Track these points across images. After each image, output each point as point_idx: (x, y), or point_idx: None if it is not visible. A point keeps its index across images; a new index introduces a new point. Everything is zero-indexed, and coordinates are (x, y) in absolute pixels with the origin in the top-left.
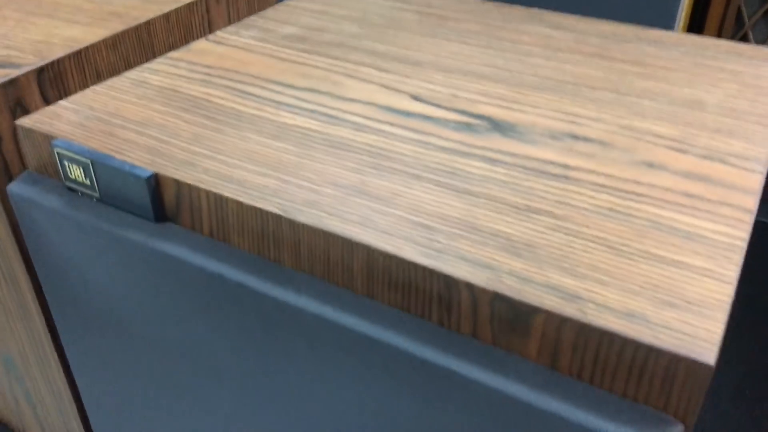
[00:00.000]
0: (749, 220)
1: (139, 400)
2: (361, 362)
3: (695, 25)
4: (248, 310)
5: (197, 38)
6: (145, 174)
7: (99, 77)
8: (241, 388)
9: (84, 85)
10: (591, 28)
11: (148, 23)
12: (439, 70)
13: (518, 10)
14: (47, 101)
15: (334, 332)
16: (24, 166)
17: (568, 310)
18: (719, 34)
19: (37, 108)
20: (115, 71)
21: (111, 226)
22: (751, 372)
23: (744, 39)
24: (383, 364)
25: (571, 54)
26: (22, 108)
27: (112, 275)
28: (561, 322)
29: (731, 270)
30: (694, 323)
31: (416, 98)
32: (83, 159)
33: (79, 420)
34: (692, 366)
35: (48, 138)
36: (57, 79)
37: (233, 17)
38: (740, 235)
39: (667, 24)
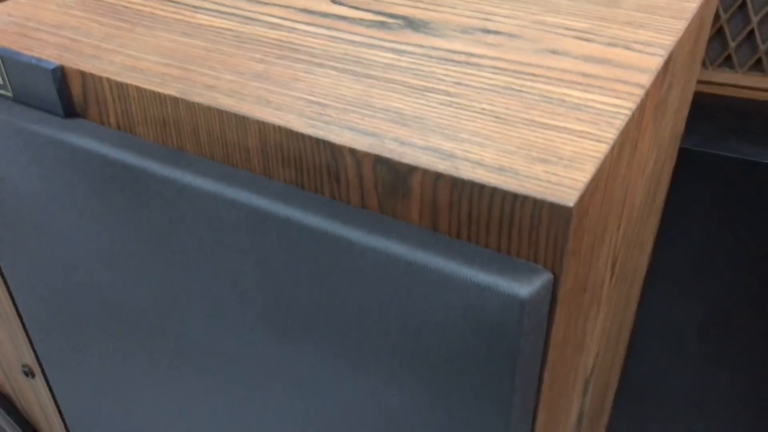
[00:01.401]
0: (640, 93)
1: (81, 330)
2: (260, 238)
3: None
4: (153, 197)
5: None
6: (51, 66)
7: None
8: (148, 276)
9: None
10: None
11: None
12: None
13: None
14: None
15: (234, 211)
16: None
17: (442, 166)
18: None
19: None
20: None
21: (23, 123)
22: (714, 312)
23: None
24: (279, 239)
25: None
26: None
27: (27, 174)
28: (436, 178)
29: (611, 133)
30: (561, 174)
31: (335, 2)
32: None
33: (33, 355)
34: (554, 210)
35: None
36: None
37: None
38: (627, 105)
39: None
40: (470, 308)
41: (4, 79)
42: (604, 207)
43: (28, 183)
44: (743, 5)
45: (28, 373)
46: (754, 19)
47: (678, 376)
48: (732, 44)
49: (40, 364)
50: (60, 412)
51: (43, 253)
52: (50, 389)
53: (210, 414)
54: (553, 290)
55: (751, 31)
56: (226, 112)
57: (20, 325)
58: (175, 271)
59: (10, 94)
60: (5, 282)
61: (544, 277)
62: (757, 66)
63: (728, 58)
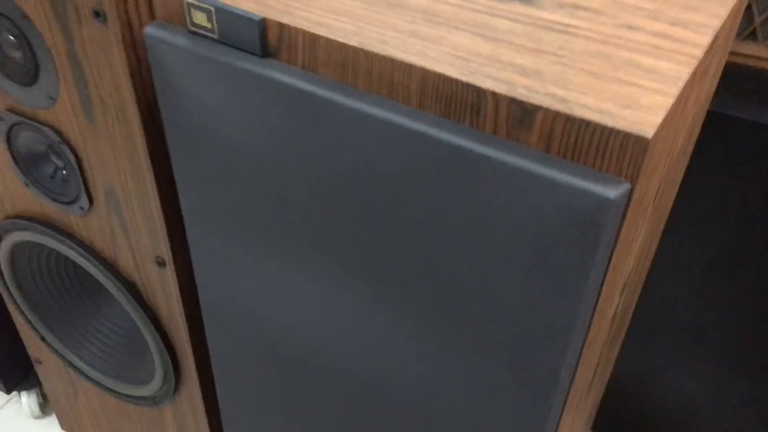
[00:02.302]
0: (695, 63)
1: (240, 227)
2: (414, 155)
3: None
4: (330, 122)
5: None
6: (257, 17)
7: None
8: (309, 183)
9: None
10: None
11: None
12: None
13: None
14: None
15: (396, 133)
16: (152, 17)
17: (560, 106)
18: None
19: None
20: None
21: (226, 59)
22: (722, 255)
23: None
24: (431, 155)
25: None
26: None
27: (225, 102)
28: (555, 116)
29: (675, 89)
30: (642, 116)
31: None
32: (207, 6)
33: (168, 247)
34: (638, 140)
35: None
36: None
37: None
38: (686, 70)
39: None
40: (572, 204)
41: (213, 24)
42: (665, 143)
43: (223, 104)
44: None
45: (161, 263)
46: None
47: (683, 311)
48: (758, 19)
49: (176, 255)
50: (182, 298)
51: (222, 161)
52: (177, 278)
53: (329, 308)
54: (629, 197)
55: None
56: (398, 60)
57: (162, 221)
58: (335, 181)
59: (216, 36)
60: (160, 184)
61: (625, 186)
62: None
63: (753, 32)
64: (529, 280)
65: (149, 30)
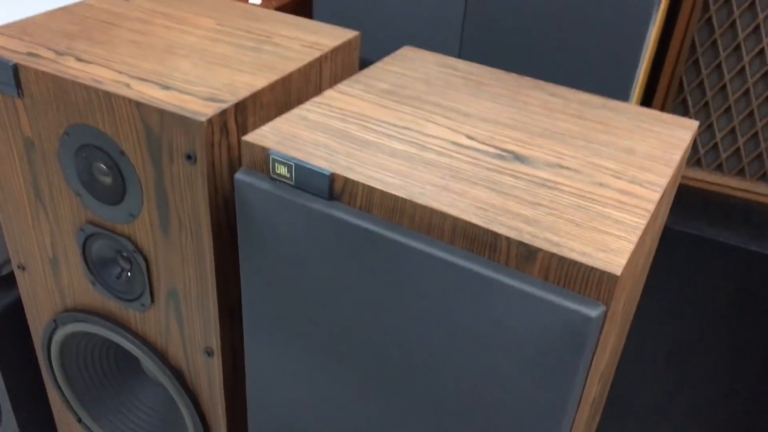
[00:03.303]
0: (648, 214)
1: (293, 332)
2: (446, 280)
3: (650, 88)
4: (379, 251)
5: (316, 88)
6: (327, 172)
7: (262, 109)
8: (360, 305)
9: (254, 115)
10: (573, 96)
11: (289, 74)
12: (480, 120)
13: (527, 80)
14: (236, 124)
15: (431, 262)
16: (239, 164)
17: (554, 249)
18: (666, 96)
19: (232, 128)
20: (272, 107)
21: (300, 200)
22: (681, 342)
23: (683, 102)
24: (458, 280)
25: (560, 114)
26: (225, 128)
27: (295, 233)
28: (551, 255)
29: (635, 237)
30: (612, 257)
31: (469, 137)
32: (288, 162)
33: (219, 339)
34: (609, 276)
35: (264, 149)
36: (242, 110)
37: (334, 73)
38: (642, 222)
39: (626, 93)
40: (564, 319)
41: (291, 175)
42: (630, 272)
43: (294, 235)
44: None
45: (210, 353)
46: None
47: (649, 393)
48: (702, 150)
49: (224, 346)
50: (225, 384)
51: (286, 278)
52: (223, 366)
53: (361, 408)
54: (605, 314)
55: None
56: (435, 209)
57: (217, 317)
58: (380, 301)
59: (292, 183)
60: (219, 287)
61: (602, 308)
62: (740, 172)
63: (699, 160)
64: (530, 376)
65: (239, 175)
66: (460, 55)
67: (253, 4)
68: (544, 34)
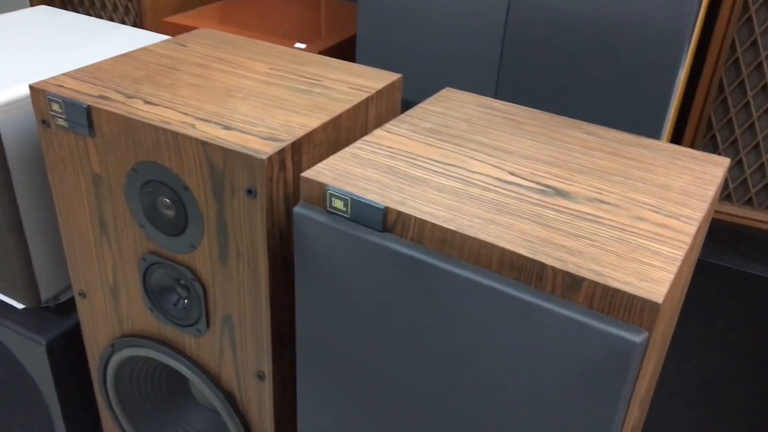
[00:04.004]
0: (686, 246)
1: (344, 355)
2: (495, 308)
3: (680, 126)
4: (433, 281)
5: (362, 127)
6: (381, 206)
7: (315, 147)
8: (412, 334)
9: (307, 153)
10: (609, 134)
11: (339, 115)
12: (521, 157)
13: (563, 119)
14: (293, 162)
15: (480, 290)
16: (294, 198)
17: (598, 279)
18: (695, 134)
19: (289, 165)
20: (323, 145)
21: (355, 232)
22: (715, 373)
23: (713, 139)
24: (506, 309)
25: (597, 151)
26: (283, 165)
27: (350, 263)
28: (595, 285)
29: (674, 267)
30: (654, 287)
31: (511, 173)
32: (344, 197)
33: (271, 363)
34: (652, 304)
35: (321, 184)
36: (297, 148)
37: (378, 113)
38: (680, 253)
39: (657, 132)
40: (609, 345)
41: (347, 208)
42: (669, 301)
43: (348, 264)
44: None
45: (261, 377)
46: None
47: (683, 424)
48: (731, 186)
49: (275, 370)
50: (274, 411)
51: (340, 304)
52: (273, 392)
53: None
54: (648, 340)
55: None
56: (484, 241)
57: (270, 342)
58: (431, 327)
59: (348, 216)
60: (273, 313)
61: (645, 334)
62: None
63: (729, 195)
64: (576, 400)
65: (298, 209)
66: (496, 96)
67: (299, 48)
68: (577, 76)
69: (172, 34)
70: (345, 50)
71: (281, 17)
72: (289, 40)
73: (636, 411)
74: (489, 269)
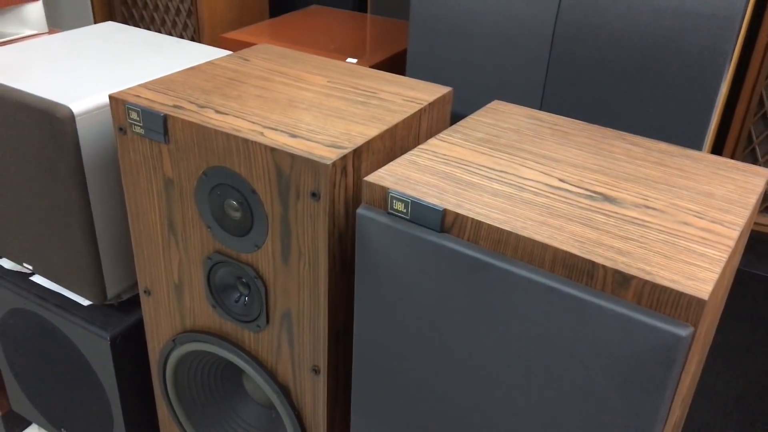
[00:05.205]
0: (729, 249)
1: (399, 349)
2: (548, 304)
3: (720, 139)
4: (489, 279)
5: (415, 137)
6: (440, 208)
7: (373, 154)
8: (467, 330)
9: (366, 160)
10: (653, 145)
11: (395, 125)
12: (569, 165)
13: (609, 131)
14: (353, 167)
15: (533, 287)
16: (354, 202)
17: (647, 277)
18: (735, 147)
19: (350, 171)
20: (380, 153)
21: (414, 232)
22: (753, 382)
23: (752, 152)
24: (558, 305)
25: (642, 161)
26: (345, 171)
27: (409, 262)
28: (644, 282)
29: (718, 268)
30: (700, 285)
31: (561, 180)
32: (405, 200)
33: (326, 358)
34: (698, 300)
35: (383, 188)
36: (358, 155)
37: (430, 124)
38: (724, 256)
39: (699, 144)
40: (657, 339)
41: (407, 210)
42: (713, 299)
43: (408, 263)
44: None
45: (317, 371)
46: None
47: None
48: None
49: (330, 364)
50: (328, 405)
51: (398, 300)
52: (327, 386)
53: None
54: (693, 335)
55: None
56: (537, 241)
57: (326, 337)
58: (485, 323)
59: (408, 217)
60: (330, 310)
61: (691, 329)
62: None
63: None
64: (624, 392)
65: (360, 210)
66: (542, 110)
67: (351, 63)
68: (621, 91)
69: (229, 49)
70: (394, 64)
71: (330, 33)
72: (341, 54)
73: (678, 409)
74: (542, 268)
